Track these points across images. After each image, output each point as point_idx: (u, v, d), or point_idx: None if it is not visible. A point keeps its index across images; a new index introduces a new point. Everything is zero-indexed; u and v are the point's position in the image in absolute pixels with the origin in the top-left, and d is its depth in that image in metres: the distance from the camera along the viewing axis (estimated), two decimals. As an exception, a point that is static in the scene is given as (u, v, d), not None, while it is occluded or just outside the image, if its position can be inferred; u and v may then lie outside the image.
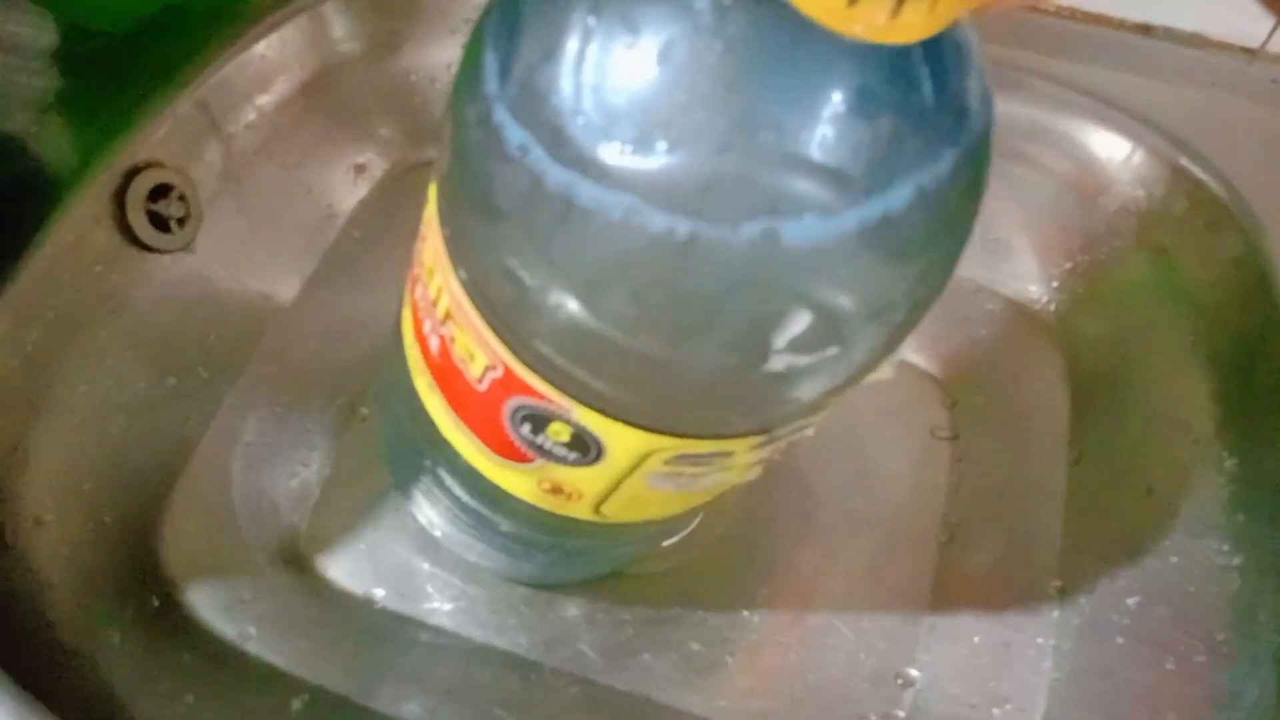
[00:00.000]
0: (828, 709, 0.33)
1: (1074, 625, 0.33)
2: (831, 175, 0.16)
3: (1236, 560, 0.30)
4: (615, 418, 0.20)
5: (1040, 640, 0.34)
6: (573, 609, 0.34)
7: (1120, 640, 0.32)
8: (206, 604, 0.32)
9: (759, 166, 0.15)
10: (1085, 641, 0.33)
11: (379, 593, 0.34)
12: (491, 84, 0.17)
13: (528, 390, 0.21)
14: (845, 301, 0.17)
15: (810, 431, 0.23)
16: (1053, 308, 0.43)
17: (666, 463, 0.22)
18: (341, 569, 0.35)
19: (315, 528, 0.35)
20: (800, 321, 0.17)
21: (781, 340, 0.17)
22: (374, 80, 0.42)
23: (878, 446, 0.40)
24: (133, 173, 0.33)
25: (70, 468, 0.31)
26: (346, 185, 0.42)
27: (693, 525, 0.35)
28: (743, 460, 0.22)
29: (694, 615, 0.35)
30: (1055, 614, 0.34)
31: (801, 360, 0.18)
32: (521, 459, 0.23)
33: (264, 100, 0.38)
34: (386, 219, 0.43)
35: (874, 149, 0.16)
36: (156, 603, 0.31)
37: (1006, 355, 0.42)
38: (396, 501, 0.36)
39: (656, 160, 0.15)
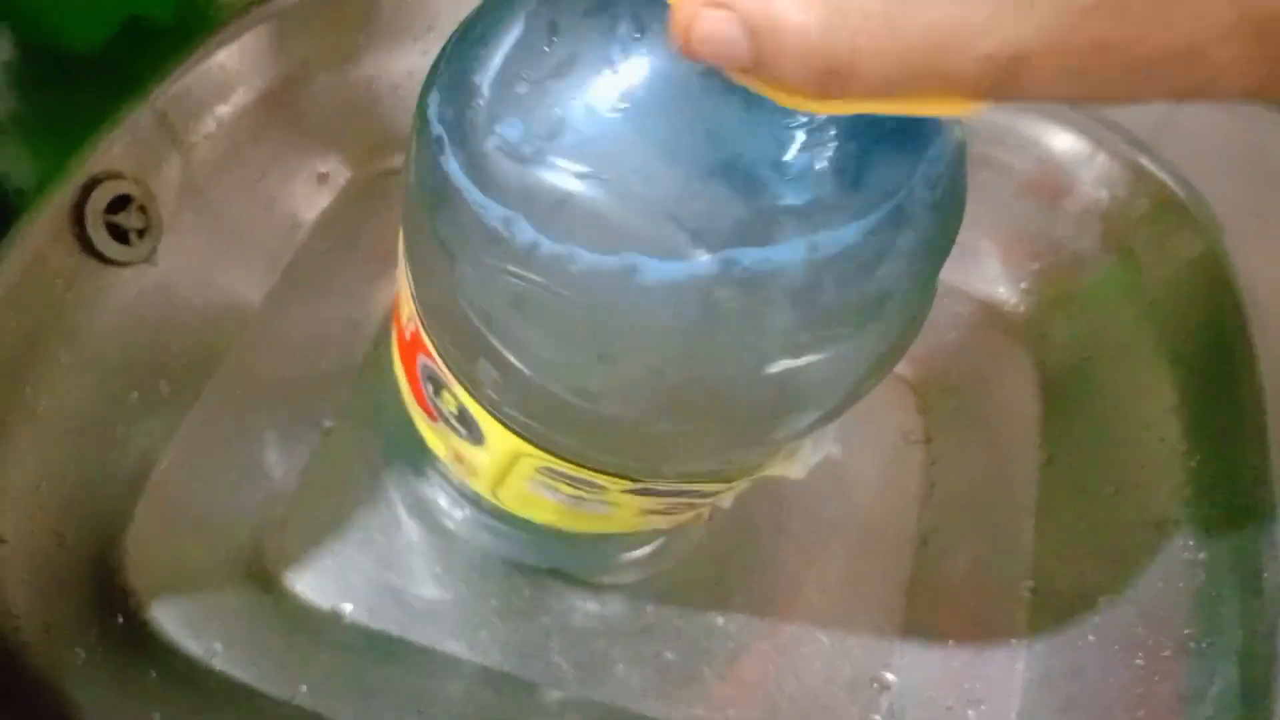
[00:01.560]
0: (806, 716, 0.33)
1: (1046, 626, 0.34)
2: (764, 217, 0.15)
3: (1201, 556, 0.31)
4: (486, 410, 0.20)
5: (1013, 641, 0.34)
6: (545, 620, 0.34)
7: (1091, 639, 0.32)
8: (172, 622, 0.32)
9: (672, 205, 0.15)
10: (1057, 641, 0.33)
11: (347, 608, 0.34)
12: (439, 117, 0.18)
13: (427, 353, 0.21)
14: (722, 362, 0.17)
15: (725, 502, 0.24)
16: (1021, 309, 0.43)
17: (539, 471, 0.22)
18: (308, 584, 0.34)
19: (281, 543, 0.35)
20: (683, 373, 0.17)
21: (640, 389, 0.17)
22: (335, 89, 0.41)
23: (851, 452, 0.40)
24: (91, 185, 0.32)
25: (32, 486, 0.30)
26: (309, 195, 0.42)
27: (658, 542, 0.35)
28: (623, 501, 0.22)
29: (669, 625, 0.35)
30: (1027, 615, 0.34)
31: (663, 421, 0.18)
32: (431, 417, 0.24)
33: (224, 110, 0.38)
34: (350, 228, 0.42)
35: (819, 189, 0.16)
36: (121, 621, 0.31)
37: (977, 358, 0.42)
38: (364, 515, 0.36)
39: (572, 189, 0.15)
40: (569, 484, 0.22)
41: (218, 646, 0.32)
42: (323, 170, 0.42)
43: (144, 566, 0.33)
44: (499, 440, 0.21)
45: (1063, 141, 0.41)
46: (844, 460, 0.40)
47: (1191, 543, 0.32)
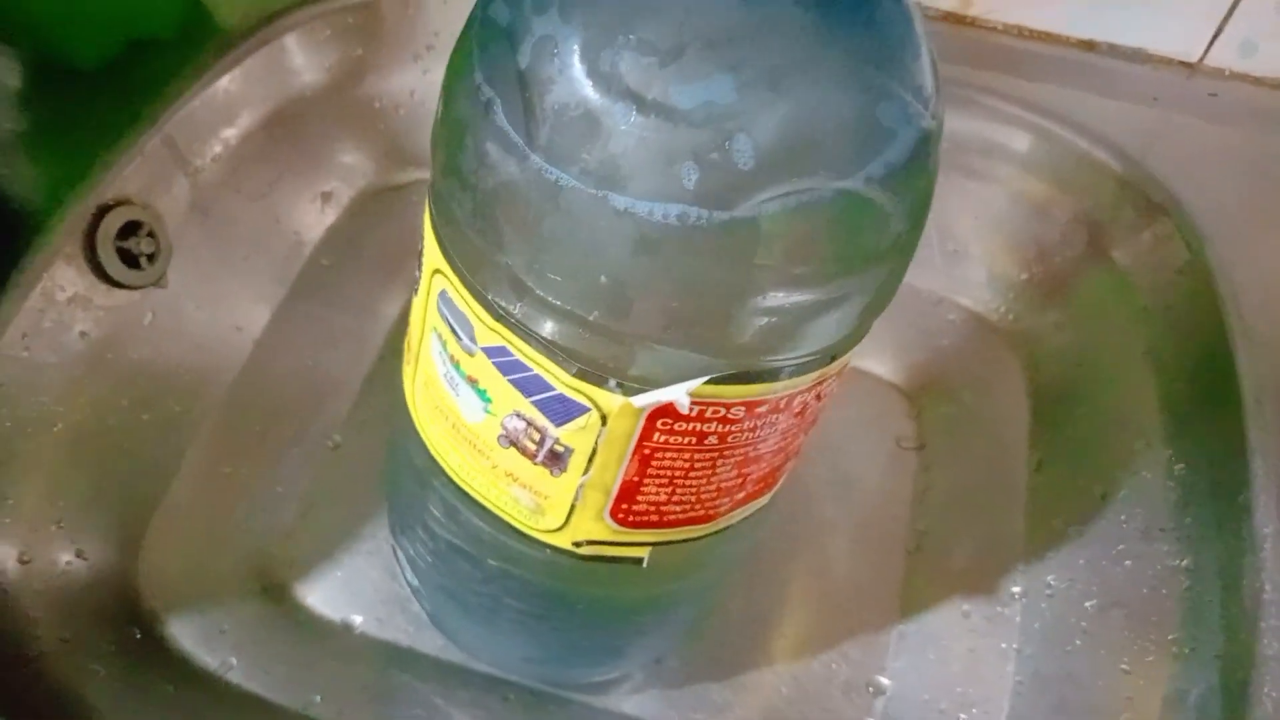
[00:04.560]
0: (803, 719, 0.34)
1: (1035, 629, 0.35)
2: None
3: (1186, 562, 0.31)
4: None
5: (1004, 645, 0.35)
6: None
7: (1079, 643, 0.33)
8: (187, 635, 0.33)
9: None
10: (1046, 645, 0.34)
11: (356, 619, 0.35)
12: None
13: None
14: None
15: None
16: (1011, 317, 0.44)
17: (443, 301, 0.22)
18: (319, 596, 0.35)
19: (292, 556, 0.36)
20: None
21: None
22: (337, 108, 0.42)
23: (845, 457, 0.41)
24: (102, 211, 0.33)
25: (49, 504, 0.31)
26: (314, 213, 0.42)
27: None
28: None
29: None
30: (1018, 619, 0.35)
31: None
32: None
33: (229, 133, 0.38)
34: (354, 245, 0.43)
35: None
36: (138, 635, 0.32)
37: (968, 365, 0.43)
38: (372, 528, 0.37)
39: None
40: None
41: (232, 659, 0.33)
42: (326, 188, 0.43)
43: (159, 581, 0.33)
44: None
45: (1050, 152, 0.42)
46: (839, 465, 0.41)
47: (1177, 549, 0.32)
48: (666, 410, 0.21)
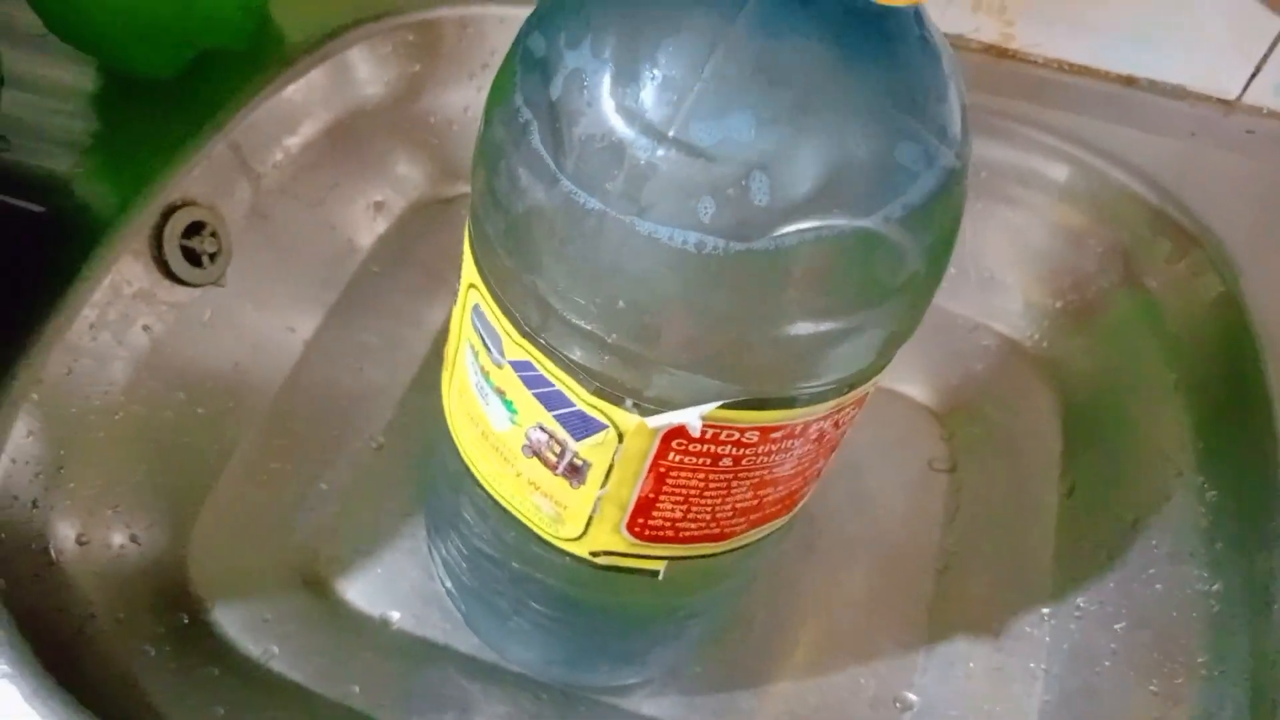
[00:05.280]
0: (828, 731, 0.35)
1: (1064, 650, 0.35)
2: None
3: (1215, 586, 0.32)
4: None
5: (1032, 664, 0.35)
6: (582, 631, 0.36)
7: (1107, 664, 0.33)
8: (232, 622, 0.34)
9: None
10: (1074, 665, 0.34)
11: (394, 615, 0.36)
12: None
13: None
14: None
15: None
16: (1045, 344, 0.44)
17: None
18: (359, 591, 0.36)
19: (334, 551, 0.37)
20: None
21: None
22: (394, 122, 0.44)
23: (877, 477, 0.41)
24: (169, 211, 0.35)
25: (107, 490, 0.33)
26: (366, 221, 0.44)
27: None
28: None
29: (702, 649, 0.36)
30: (1046, 639, 0.36)
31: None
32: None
33: (291, 141, 0.40)
34: (404, 254, 0.44)
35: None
36: (186, 620, 0.33)
37: (1001, 390, 0.44)
38: (411, 527, 0.38)
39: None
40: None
41: (274, 648, 0.34)
42: (379, 198, 0.44)
43: (207, 570, 0.35)
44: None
45: (1088, 183, 0.42)
46: (871, 485, 0.41)
47: (1206, 575, 0.33)
48: (681, 431, 0.21)
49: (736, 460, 0.22)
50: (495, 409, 0.24)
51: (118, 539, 0.33)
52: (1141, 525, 0.36)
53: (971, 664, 0.36)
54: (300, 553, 0.36)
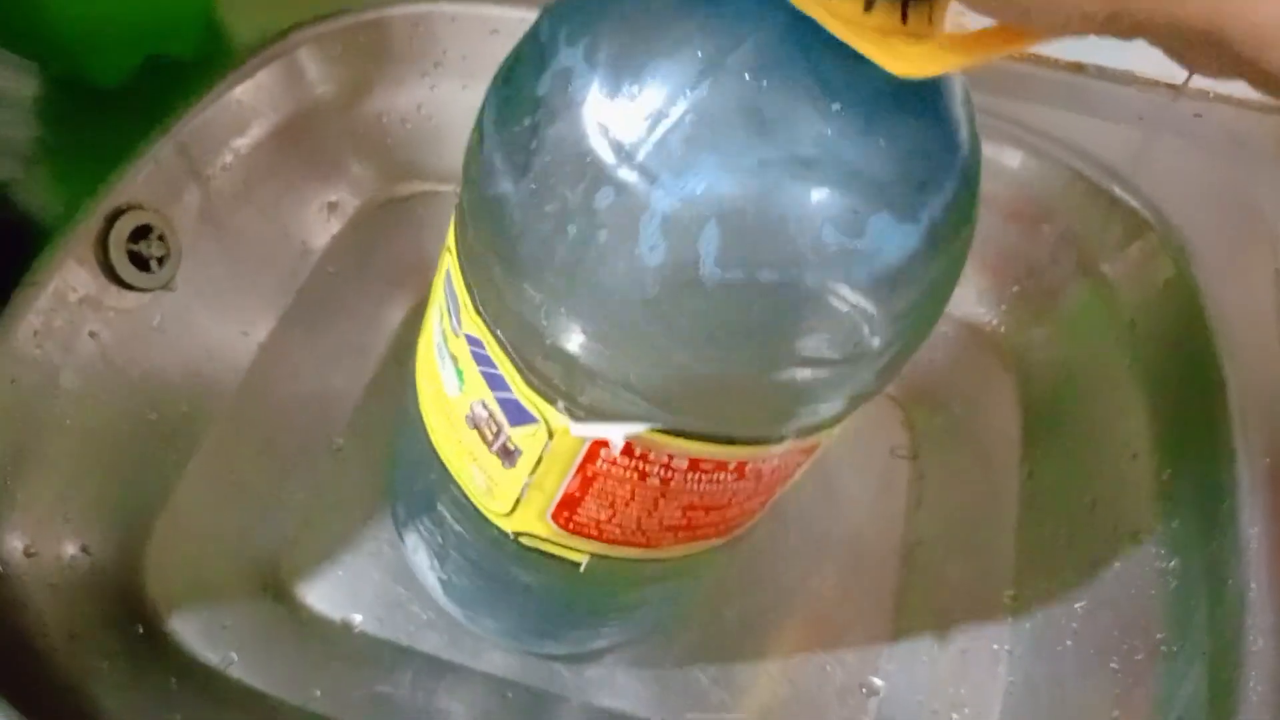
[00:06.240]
0: (797, 720, 0.35)
1: (1026, 632, 0.35)
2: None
3: (1172, 564, 0.32)
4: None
5: (995, 647, 0.35)
6: (548, 629, 0.35)
7: (1069, 643, 0.33)
8: (190, 631, 0.33)
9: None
10: (1037, 647, 0.34)
11: (357, 618, 0.35)
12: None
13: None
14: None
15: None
16: (1002, 330, 0.45)
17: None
18: (320, 596, 0.36)
19: (294, 556, 0.36)
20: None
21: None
22: (346, 122, 0.43)
23: (842, 466, 0.42)
24: (115, 215, 0.34)
25: (57, 501, 0.32)
26: (320, 223, 0.43)
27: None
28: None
29: (665, 632, 0.36)
30: (1009, 622, 0.36)
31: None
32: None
33: (241, 143, 0.39)
34: (359, 254, 0.44)
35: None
36: (142, 630, 0.32)
37: (961, 377, 0.44)
38: (373, 530, 0.37)
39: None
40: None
41: (233, 655, 0.33)
42: (332, 199, 0.44)
43: (164, 579, 0.34)
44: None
45: (1040, 170, 0.43)
46: (836, 472, 0.41)
47: (1163, 552, 0.33)
48: (607, 443, 0.21)
49: (664, 481, 0.22)
50: (449, 374, 0.24)
51: (69, 549, 0.32)
52: (1100, 507, 0.36)
53: (936, 648, 0.36)
54: (259, 558, 0.36)
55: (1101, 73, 0.46)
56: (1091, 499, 0.37)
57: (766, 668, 0.36)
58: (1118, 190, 0.41)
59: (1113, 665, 0.32)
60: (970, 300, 0.45)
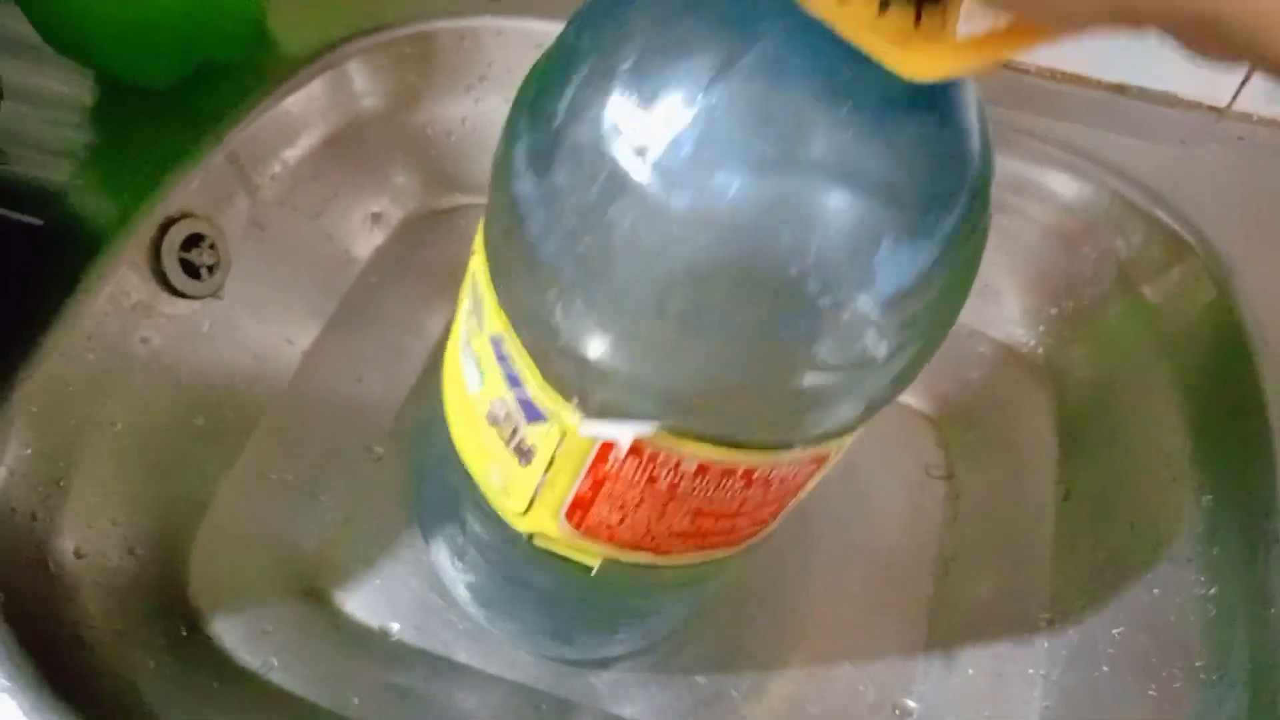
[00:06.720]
0: (828, 738, 0.35)
1: (1062, 655, 0.35)
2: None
3: (1213, 590, 0.32)
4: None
5: (1031, 670, 0.35)
6: (582, 640, 0.36)
7: (1105, 668, 0.33)
8: (231, 634, 0.34)
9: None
10: (1073, 670, 0.34)
11: (394, 626, 0.36)
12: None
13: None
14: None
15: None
16: (1040, 350, 0.45)
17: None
18: (358, 603, 0.36)
19: (333, 562, 0.37)
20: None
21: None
22: (392, 133, 0.44)
23: (875, 484, 0.42)
24: (168, 223, 0.35)
25: (105, 503, 0.33)
26: (364, 233, 0.44)
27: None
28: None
29: (698, 647, 0.36)
30: (1045, 644, 0.36)
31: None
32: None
33: (289, 153, 0.40)
34: (401, 264, 0.45)
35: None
36: (185, 632, 0.33)
37: (997, 396, 0.44)
38: (411, 538, 0.38)
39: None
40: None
41: (273, 659, 0.34)
42: (376, 210, 0.44)
43: (207, 581, 0.34)
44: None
45: (1081, 191, 0.43)
46: (869, 491, 0.41)
47: (1204, 579, 0.33)
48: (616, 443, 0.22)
49: (673, 485, 0.23)
50: (471, 372, 0.25)
51: (117, 551, 0.33)
52: (1138, 529, 0.36)
53: (971, 670, 0.36)
54: (300, 564, 0.36)
55: (1144, 94, 0.46)
56: (1129, 522, 0.37)
57: (798, 684, 0.36)
58: (1159, 212, 0.41)
59: (1150, 692, 0.31)
60: (1009, 321, 0.44)
